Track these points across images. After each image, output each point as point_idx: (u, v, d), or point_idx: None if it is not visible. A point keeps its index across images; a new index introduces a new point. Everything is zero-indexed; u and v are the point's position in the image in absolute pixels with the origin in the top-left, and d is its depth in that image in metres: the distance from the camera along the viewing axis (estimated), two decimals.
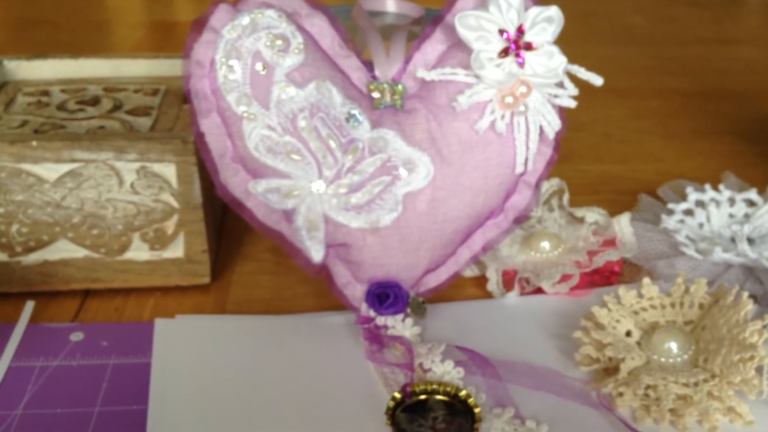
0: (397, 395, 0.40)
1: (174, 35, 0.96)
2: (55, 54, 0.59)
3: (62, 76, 0.58)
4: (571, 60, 0.44)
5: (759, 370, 0.40)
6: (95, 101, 0.54)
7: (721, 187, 0.57)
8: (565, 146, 0.49)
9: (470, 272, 0.52)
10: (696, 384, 0.40)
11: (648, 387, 0.41)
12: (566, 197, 0.57)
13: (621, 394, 0.41)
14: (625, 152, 0.71)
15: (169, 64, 0.59)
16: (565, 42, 0.44)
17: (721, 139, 0.73)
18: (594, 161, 0.69)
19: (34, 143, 0.46)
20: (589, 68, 0.45)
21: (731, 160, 0.69)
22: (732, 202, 0.57)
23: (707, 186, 0.57)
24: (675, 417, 0.40)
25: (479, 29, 0.42)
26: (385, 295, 0.45)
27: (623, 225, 0.53)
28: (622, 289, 0.46)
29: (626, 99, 0.82)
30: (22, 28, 0.98)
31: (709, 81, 0.88)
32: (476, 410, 0.40)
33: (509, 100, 0.43)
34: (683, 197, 0.57)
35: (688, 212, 0.56)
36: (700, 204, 0.57)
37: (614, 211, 0.55)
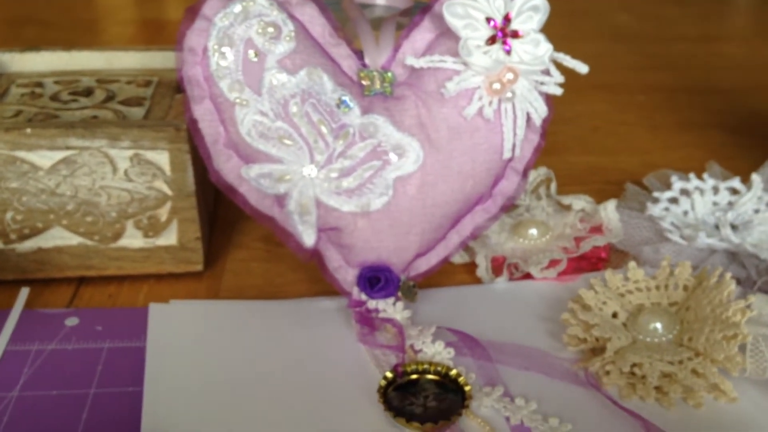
0: (389, 375, 0.41)
1: (164, 33, 0.96)
2: (48, 47, 0.59)
3: (55, 69, 0.59)
4: None
5: (742, 348, 0.41)
6: (88, 92, 0.55)
7: (705, 176, 0.58)
8: (554, 139, 0.50)
9: (460, 259, 0.53)
10: (680, 362, 0.41)
11: (634, 365, 0.41)
12: (554, 186, 0.58)
13: (608, 373, 0.42)
14: (612, 145, 0.72)
15: (162, 56, 0.60)
16: (553, 39, 0.45)
17: (705, 132, 0.75)
18: (581, 153, 0.70)
19: (29, 131, 0.46)
20: None
21: (715, 152, 0.70)
22: (716, 190, 0.58)
23: (692, 175, 0.58)
24: (660, 394, 0.41)
25: (467, 17, 0.43)
26: (376, 279, 0.46)
27: (609, 211, 0.54)
28: (608, 273, 0.47)
29: (613, 94, 0.83)
30: (14, 27, 0.98)
31: (695, 77, 0.89)
32: (466, 388, 0.40)
33: (496, 86, 0.44)
34: (668, 186, 0.58)
35: (673, 200, 0.57)
36: (684, 192, 0.58)
37: (601, 200, 0.56)
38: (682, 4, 1.16)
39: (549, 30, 0.45)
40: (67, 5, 1.06)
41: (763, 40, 1.04)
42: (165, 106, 0.53)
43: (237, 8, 0.43)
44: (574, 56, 0.46)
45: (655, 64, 0.93)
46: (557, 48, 0.45)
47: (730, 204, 0.57)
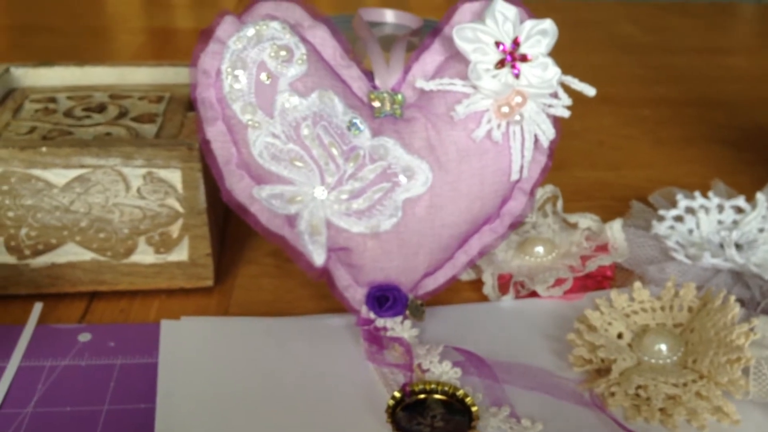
0: (397, 394, 0.42)
1: (174, 42, 0.97)
2: (61, 61, 0.60)
3: (68, 83, 0.60)
4: (565, 68, 0.46)
5: (745, 371, 0.42)
6: (101, 108, 0.56)
7: (710, 194, 0.59)
8: (559, 154, 0.51)
9: (467, 276, 0.54)
10: (685, 384, 0.42)
11: (639, 387, 0.42)
12: (560, 203, 0.59)
13: (613, 394, 0.42)
14: (617, 159, 0.73)
15: (173, 71, 0.60)
16: (558, 51, 0.46)
17: (710, 147, 0.75)
18: (587, 168, 0.71)
19: (44, 149, 0.47)
20: (582, 77, 0.46)
21: (720, 167, 0.71)
22: (721, 208, 0.58)
23: (697, 193, 0.59)
24: (664, 416, 0.41)
25: (476, 41, 0.44)
26: (385, 298, 0.47)
27: (615, 231, 0.54)
28: (614, 293, 0.48)
29: (618, 107, 0.84)
30: (24, 34, 0.99)
31: (700, 90, 0.89)
32: (473, 409, 0.41)
33: (505, 109, 0.45)
34: (674, 204, 0.59)
35: (678, 219, 0.58)
36: (689, 211, 0.58)
37: (607, 216, 0.56)
38: (687, 16, 1.17)
39: (554, 43, 0.46)
40: (76, 13, 1.07)
41: None
42: (177, 123, 0.53)
43: (250, 32, 0.44)
44: (579, 69, 0.47)
45: (660, 77, 0.93)
46: (562, 59, 0.45)
47: (735, 223, 0.57)
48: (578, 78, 0.46)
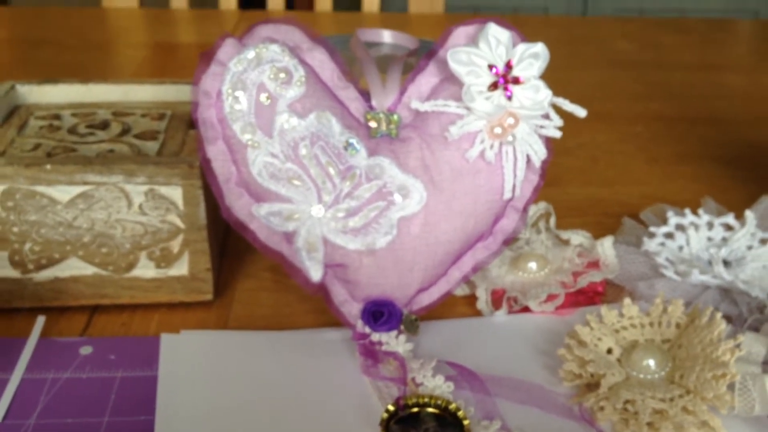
0: (391, 408, 0.43)
1: (176, 57, 0.98)
2: (65, 79, 0.61)
3: (72, 101, 0.61)
4: (559, 85, 0.47)
5: (731, 386, 0.43)
6: (105, 125, 0.57)
7: (700, 211, 0.60)
8: (553, 170, 0.52)
9: (461, 291, 0.55)
10: (672, 399, 0.43)
11: (627, 401, 0.43)
12: (553, 220, 0.60)
13: (602, 408, 0.43)
14: (611, 176, 0.74)
15: (175, 89, 0.62)
16: (552, 67, 0.47)
17: (703, 164, 0.76)
18: (580, 185, 0.72)
19: (49, 167, 0.48)
20: (576, 93, 0.47)
21: (712, 183, 0.72)
22: (710, 226, 0.59)
23: (687, 210, 0.60)
24: (652, 430, 0.42)
25: (470, 64, 0.45)
26: (380, 313, 0.48)
27: (606, 247, 0.56)
28: (604, 309, 0.49)
29: (612, 124, 0.85)
30: (27, 49, 1.00)
31: (694, 106, 0.91)
32: (465, 422, 0.42)
33: (498, 130, 0.46)
34: (664, 221, 0.60)
35: (669, 235, 0.59)
36: (680, 228, 0.59)
37: (599, 232, 0.58)
38: (682, 32, 1.18)
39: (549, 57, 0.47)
40: (79, 29, 1.09)
41: (764, 70, 1.05)
42: (178, 141, 0.55)
43: (250, 54, 0.45)
44: (573, 85, 0.48)
45: (654, 93, 0.94)
46: (556, 76, 0.47)
47: (724, 240, 0.58)
48: (573, 93, 0.48)
